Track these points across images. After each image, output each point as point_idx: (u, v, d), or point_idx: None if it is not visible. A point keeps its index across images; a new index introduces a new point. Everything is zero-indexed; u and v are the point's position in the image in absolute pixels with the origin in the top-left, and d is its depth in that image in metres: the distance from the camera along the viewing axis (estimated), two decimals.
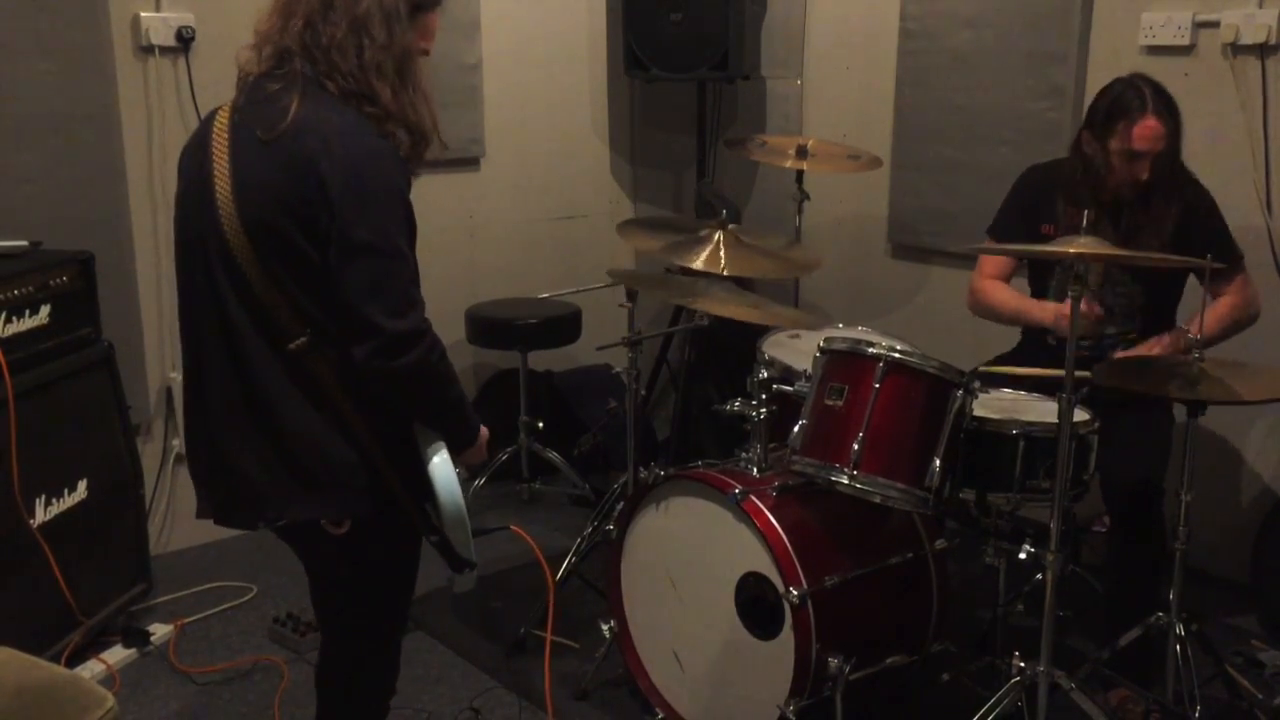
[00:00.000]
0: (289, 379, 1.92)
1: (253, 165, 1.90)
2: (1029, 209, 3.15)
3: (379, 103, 1.93)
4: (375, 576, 2.13)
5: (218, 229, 1.91)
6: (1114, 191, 2.98)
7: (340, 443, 1.94)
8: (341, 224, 1.83)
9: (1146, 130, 2.87)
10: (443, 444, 1.98)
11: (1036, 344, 3.23)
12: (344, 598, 2.18)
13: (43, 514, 2.98)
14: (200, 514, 2.08)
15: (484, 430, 2.11)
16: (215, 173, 1.92)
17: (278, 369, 1.92)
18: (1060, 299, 3.10)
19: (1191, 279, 3.09)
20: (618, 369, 3.26)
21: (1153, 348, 2.99)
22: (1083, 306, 2.87)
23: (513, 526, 2.30)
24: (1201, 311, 2.64)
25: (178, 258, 2.03)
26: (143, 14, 3.62)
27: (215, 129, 1.96)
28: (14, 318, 2.94)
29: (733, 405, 2.89)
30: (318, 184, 1.84)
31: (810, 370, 2.75)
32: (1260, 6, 3.27)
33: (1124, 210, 2.99)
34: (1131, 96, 2.91)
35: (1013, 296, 3.23)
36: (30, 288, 3.00)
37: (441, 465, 1.96)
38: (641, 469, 2.99)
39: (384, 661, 2.26)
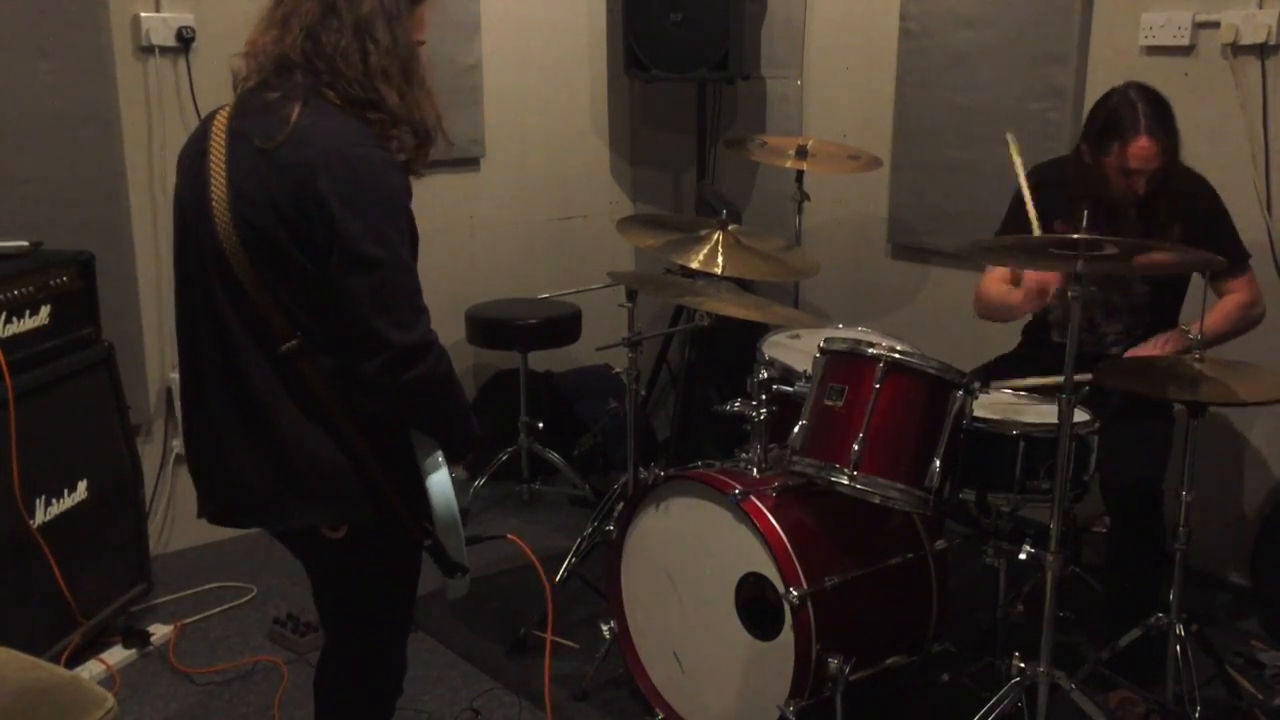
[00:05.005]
0: (282, 384, 1.92)
1: (249, 174, 1.88)
2: (1039, 207, 3.13)
3: (385, 108, 1.92)
4: (376, 578, 2.13)
5: (213, 235, 1.90)
6: (1114, 201, 2.97)
7: (333, 449, 1.93)
8: (345, 239, 1.82)
9: (1140, 150, 2.86)
10: (438, 449, 1.97)
11: (1038, 343, 3.23)
12: (345, 599, 2.18)
13: (43, 514, 2.98)
14: (201, 513, 2.08)
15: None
16: (212, 179, 1.91)
17: (271, 374, 1.91)
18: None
19: (1196, 277, 3.08)
20: (618, 369, 3.26)
21: (1154, 348, 2.98)
22: (1033, 282, 2.90)
23: (510, 536, 2.30)
24: (1203, 310, 2.63)
25: (176, 261, 2.03)
26: (143, 14, 3.62)
27: (213, 134, 1.95)
28: (14, 318, 2.94)
29: (733, 405, 2.89)
30: (316, 197, 1.82)
31: (810, 371, 2.75)
32: (1260, 6, 3.27)
33: (1123, 217, 2.97)
34: (1125, 113, 2.87)
35: (1000, 291, 3.20)
36: (30, 288, 2.99)
37: (435, 470, 1.95)
38: (641, 469, 2.98)
39: (389, 661, 2.26)
